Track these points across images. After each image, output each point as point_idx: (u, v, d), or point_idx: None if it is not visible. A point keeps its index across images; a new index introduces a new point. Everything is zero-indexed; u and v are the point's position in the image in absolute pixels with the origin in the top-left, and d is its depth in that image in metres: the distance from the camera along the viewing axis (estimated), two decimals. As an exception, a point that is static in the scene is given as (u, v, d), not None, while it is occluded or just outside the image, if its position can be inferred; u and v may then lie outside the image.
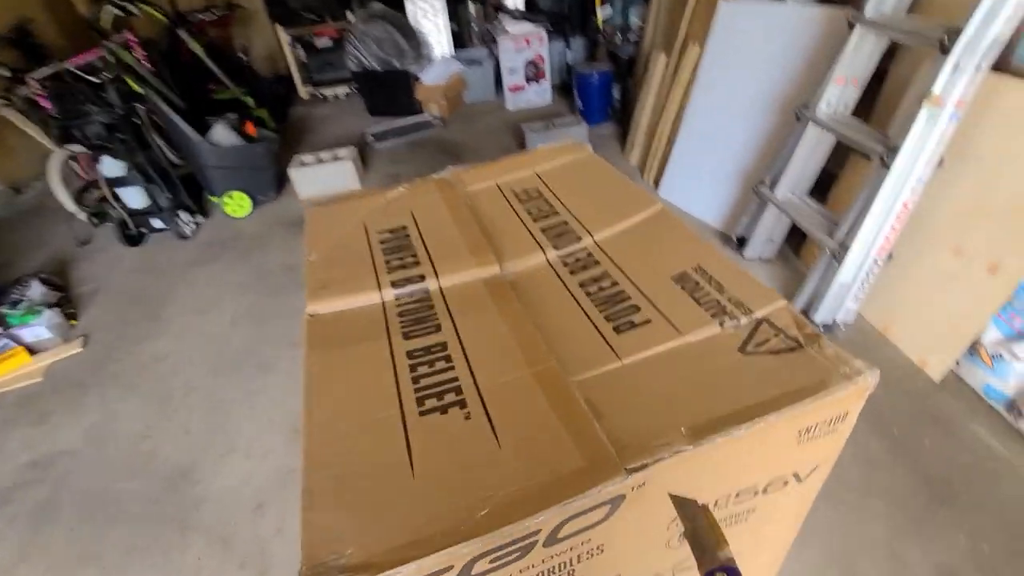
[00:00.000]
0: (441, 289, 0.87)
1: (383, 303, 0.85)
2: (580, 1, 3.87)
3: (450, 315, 0.80)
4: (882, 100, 1.77)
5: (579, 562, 0.62)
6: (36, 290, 2.24)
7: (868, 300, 1.69)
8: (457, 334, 0.76)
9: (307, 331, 0.79)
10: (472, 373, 0.68)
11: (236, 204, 2.89)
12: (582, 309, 0.80)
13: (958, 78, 1.31)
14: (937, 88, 1.32)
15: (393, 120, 3.88)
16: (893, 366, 1.64)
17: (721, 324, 0.71)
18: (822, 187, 1.97)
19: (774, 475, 0.66)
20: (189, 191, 2.84)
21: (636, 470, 0.53)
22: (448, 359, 0.71)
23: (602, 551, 0.62)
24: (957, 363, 1.55)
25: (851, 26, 1.58)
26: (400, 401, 0.65)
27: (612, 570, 0.68)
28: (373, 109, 4.07)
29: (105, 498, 1.52)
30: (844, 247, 1.54)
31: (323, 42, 4.38)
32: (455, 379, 0.68)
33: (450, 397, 0.65)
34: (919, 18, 1.57)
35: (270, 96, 3.97)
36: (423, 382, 0.68)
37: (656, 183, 2.71)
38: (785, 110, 1.95)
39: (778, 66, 1.95)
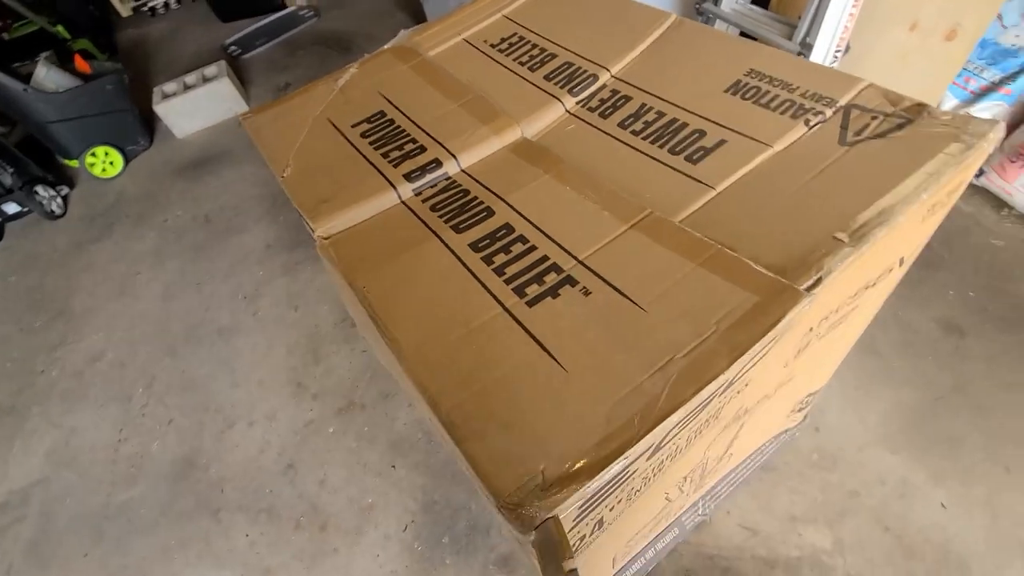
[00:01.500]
0: (466, 171, 0.72)
1: (405, 202, 0.70)
2: None
3: (496, 195, 0.67)
4: None
5: (728, 403, 0.58)
6: None
7: (826, 100, 1.70)
8: (518, 212, 0.64)
9: (333, 256, 0.64)
10: (562, 247, 0.58)
11: (104, 162, 2.38)
12: (638, 151, 0.69)
13: None
14: None
15: (253, 22, 3.23)
16: (855, 160, 1.70)
17: (807, 123, 0.64)
18: (759, -8, 1.87)
19: (889, 264, 0.64)
20: (38, 159, 2.28)
21: (813, 287, 0.47)
22: (524, 240, 0.60)
23: (747, 385, 0.59)
24: (914, 140, 1.63)
25: None
26: (496, 298, 0.55)
27: (742, 405, 0.66)
28: (224, 13, 3.35)
29: (108, 514, 1.35)
30: (808, 46, 1.49)
31: (126, -65, 3.44)
32: (546, 257, 0.57)
33: (551, 278, 0.55)
34: None
35: (83, 21, 3.15)
36: (509, 271, 0.57)
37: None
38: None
39: None
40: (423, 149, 0.75)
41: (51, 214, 2.27)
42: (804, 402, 1.00)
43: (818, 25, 1.46)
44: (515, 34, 0.93)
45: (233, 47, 3.08)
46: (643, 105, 0.75)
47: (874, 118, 0.61)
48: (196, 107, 2.53)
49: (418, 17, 2.87)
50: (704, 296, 0.49)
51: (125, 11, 3.71)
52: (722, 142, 0.66)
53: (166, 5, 3.71)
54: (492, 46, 0.93)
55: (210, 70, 2.57)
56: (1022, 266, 1.34)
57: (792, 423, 1.08)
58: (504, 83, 0.85)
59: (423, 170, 0.72)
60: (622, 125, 0.73)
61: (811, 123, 0.63)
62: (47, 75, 2.19)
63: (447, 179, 0.72)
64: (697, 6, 1.84)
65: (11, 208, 2.23)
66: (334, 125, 0.83)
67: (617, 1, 0.92)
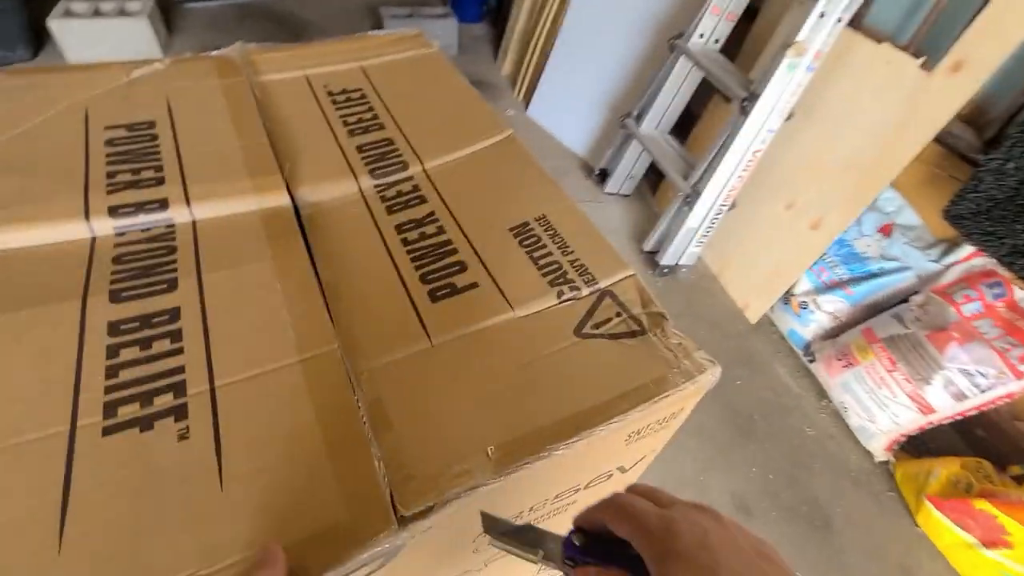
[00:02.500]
0: (194, 223, 0.61)
1: (93, 240, 0.57)
2: None
3: (197, 266, 0.55)
4: (749, 41, 1.73)
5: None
6: None
7: (709, 245, 1.75)
8: (201, 297, 0.52)
9: (-65, 283, 0.49)
10: (209, 361, 0.47)
11: (-39, 57, 2.06)
12: (394, 264, 0.61)
13: (821, 27, 1.28)
14: (802, 35, 1.28)
15: (215, -26, 3.04)
16: (720, 307, 1.75)
17: (559, 295, 0.58)
18: (684, 127, 1.94)
19: (596, 474, 0.57)
20: None
21: (417, 517, 0.38)
22: (176, 336, 0.49)
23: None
24: (771, 309, 1.70)
25: (733, -50, 1.46)
26: (75, 409, 0.42)
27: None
28: (187, -47, 3.14)
29: None
30: (696, 193, 1.53)
31: None
32: (179, 370, 0.46)
33: (164, 400, 0.44)
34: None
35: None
36: (124, 375, 0.45)
37: (527, 100, 2.50)
38: (659, 36, 1.83)
39: (658, -17, 1.80)
40: (160, 182, 0.63)
41: None
42: None
43: (709, 177, 1.50)
44: (359, 89, 0.85)
45: (180, -10, 2.86)
46: (431, 215, 0.67)
47: (618, 314, 0.56)
48: (102, 36, 2.28)
49: (377, 27, 2.80)
50: (298, 491, 0.39)
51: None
52: (474, 285, 0.58)
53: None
54: (329, 93, 0.84)
55: (133, 4, 2.35)
56: (821, 460, 1.38)
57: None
58: (315, 138, 0.75)
59: (140, 208, 0.60)
60: (400, 228, 0.65)
61: (563, 296, 0.58)
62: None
63: (167, 227, 0.60)
64: (621, 121, 1.88)
65: None
66: (87, 119, 0.69)
67: (469, 95, 0.86)
